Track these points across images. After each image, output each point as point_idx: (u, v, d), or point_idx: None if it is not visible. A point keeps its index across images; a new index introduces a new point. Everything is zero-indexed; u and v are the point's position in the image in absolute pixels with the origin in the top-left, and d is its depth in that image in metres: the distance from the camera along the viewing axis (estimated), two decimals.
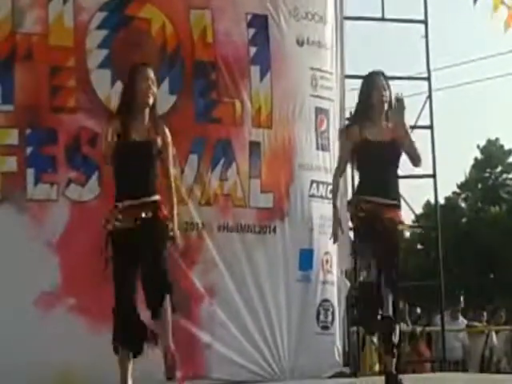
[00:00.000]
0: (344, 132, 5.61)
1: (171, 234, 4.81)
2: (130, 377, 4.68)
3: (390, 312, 5.02)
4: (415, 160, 5.33)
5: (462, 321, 11.14)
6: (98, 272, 5.63)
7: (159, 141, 4.84)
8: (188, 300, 6.11)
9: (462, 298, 11.10)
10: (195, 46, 6.32)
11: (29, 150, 5.83)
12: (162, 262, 4.65)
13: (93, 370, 5.46)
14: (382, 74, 5.42)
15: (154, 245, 4.66)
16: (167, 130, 4.94)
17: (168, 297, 4.58)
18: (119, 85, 5.92)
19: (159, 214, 4.74)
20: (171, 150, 4.94)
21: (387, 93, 5.32)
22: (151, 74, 4.89)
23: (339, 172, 5.57)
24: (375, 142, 5.26)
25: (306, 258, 6.62)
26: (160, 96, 5.98)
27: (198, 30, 6.33)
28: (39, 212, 5.81)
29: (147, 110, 4.86)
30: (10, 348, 5.48)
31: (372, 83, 5.35)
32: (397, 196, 5.33)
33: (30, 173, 5.82)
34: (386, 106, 5.31)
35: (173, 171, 5.08)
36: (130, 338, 4.62)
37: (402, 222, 5.38)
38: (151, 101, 4.85)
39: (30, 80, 5.85)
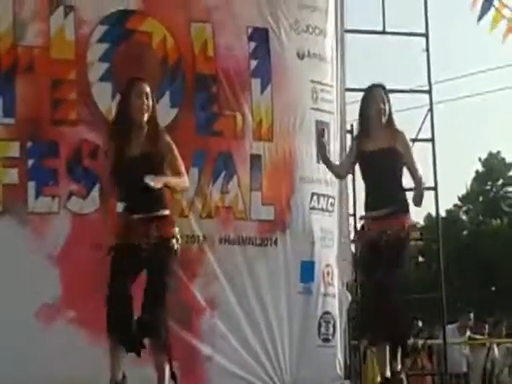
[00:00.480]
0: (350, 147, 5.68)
1: (176, 247, 4.81)
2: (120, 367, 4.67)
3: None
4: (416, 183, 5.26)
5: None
6: (98, 284, 5.68)
7: (160, 151, 4.82)
8: (189, 312, 6.11)
9: (472, 315, 11.01)
10: (196, 59, 6.34)
11: (30, 162, 5.85)
12: (160, 286, 4.67)
13: (94, 381, 5.45)
14: (382, 86, 5.44)
15: (156, 266, 4.69)
16: (167, 136, 4.91)
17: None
18: None
19: (164, 231, 4.73)
20: (176, 152, 4.91)
21: (386, 105, 5.34)
22: (146, 88, 4.87)
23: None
24: (368, 151, 5.29)
25: (308, 271, 6.62)
26: (161, 109, 6.00)
27: (199, 43, 6.35)
28: (40, 224, 5.82)
29: (144, 124, 4.85)
30: (11, 360, 5.48)
31: (370, 95, 5.38)
32: (395, 202, 5.24)
33: (31, 186, 5.83)
34: (383, 119, 5.33)
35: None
36: (121, 331, 4.63)
37: (405, 230, 5.25)
38: (145, 117, 4.83)
39: (32, 93, 5.88)
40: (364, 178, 5.40)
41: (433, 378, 8.15)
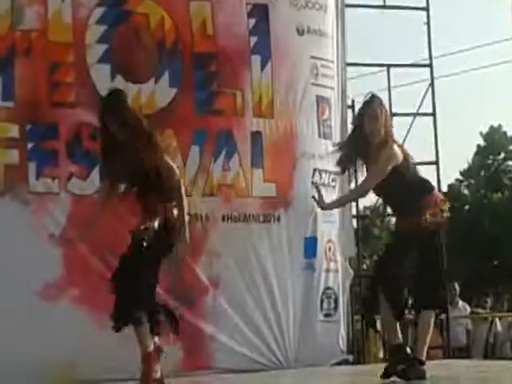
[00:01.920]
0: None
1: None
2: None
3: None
4: None
5: (464, 306, 11.12)
6: (99, 264, 5.70)
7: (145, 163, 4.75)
8: (193, 292, 6.12)
9: (456, 285, 11.06)
10: (195, 38, 6.32)
11: (30, 145, 5.86)
12: None
13: (96, 359, 5.49)
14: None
15: None
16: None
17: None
18: (119, 79, 5.95)
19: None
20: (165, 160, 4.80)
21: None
22: (113, 117, 4.77)
23: None
24: None
25: (311, 246, 6.63)
26: (160, 90, 6.05)
27: (198, 22, 6.33)
28: (41, 204, 5.83)
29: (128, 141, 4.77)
30: (14, 338, 5.49)
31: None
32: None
33: (32, 167, 5.84)
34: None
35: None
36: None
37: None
38: (123, 136, 4.77)
39: (30, 76, 5.87)
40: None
41: (444, 351, 8.18)
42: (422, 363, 4.92)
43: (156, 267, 4.77)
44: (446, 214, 5.02)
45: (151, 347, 4.64)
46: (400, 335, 4.99)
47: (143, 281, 4.63)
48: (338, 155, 5.19)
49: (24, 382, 5.39)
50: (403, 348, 4.96)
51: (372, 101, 5.01)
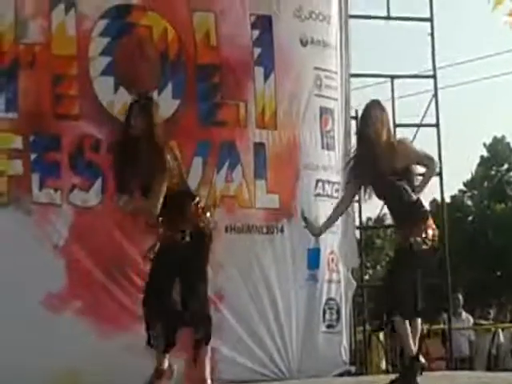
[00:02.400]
0: None
1: None
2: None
3: None
4: None
5: (467, 317, 11.11)
6: (103, 274, 5.69)
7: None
8: None
9: (460, 296, 11.05)
10: (198, 49, 6.33)
11: (33, 156, 5.88)
12: None
13: (99, 371, 5.48)
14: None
15: None
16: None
17: None
18: (122, 91, 5.97)
19: None
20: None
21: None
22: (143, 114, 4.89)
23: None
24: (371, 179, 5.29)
25: (314, 257, 6.63)
26: (163, 101, 6.04)
27: (201, 33, 6.35)
28: (45, 215, 5.84)
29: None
30: (17, 349, 5.50)
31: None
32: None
33: (35, 178, 5.86)
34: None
35: None
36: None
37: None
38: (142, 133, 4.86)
39: (34, 88, 5.90)
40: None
41: (447, 362, 8.17)
42: (415, 357, 4.90)
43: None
44: (429, 241, 5.08)
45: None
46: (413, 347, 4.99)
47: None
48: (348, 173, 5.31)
49: None
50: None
51: (369, 106, 5.14)
